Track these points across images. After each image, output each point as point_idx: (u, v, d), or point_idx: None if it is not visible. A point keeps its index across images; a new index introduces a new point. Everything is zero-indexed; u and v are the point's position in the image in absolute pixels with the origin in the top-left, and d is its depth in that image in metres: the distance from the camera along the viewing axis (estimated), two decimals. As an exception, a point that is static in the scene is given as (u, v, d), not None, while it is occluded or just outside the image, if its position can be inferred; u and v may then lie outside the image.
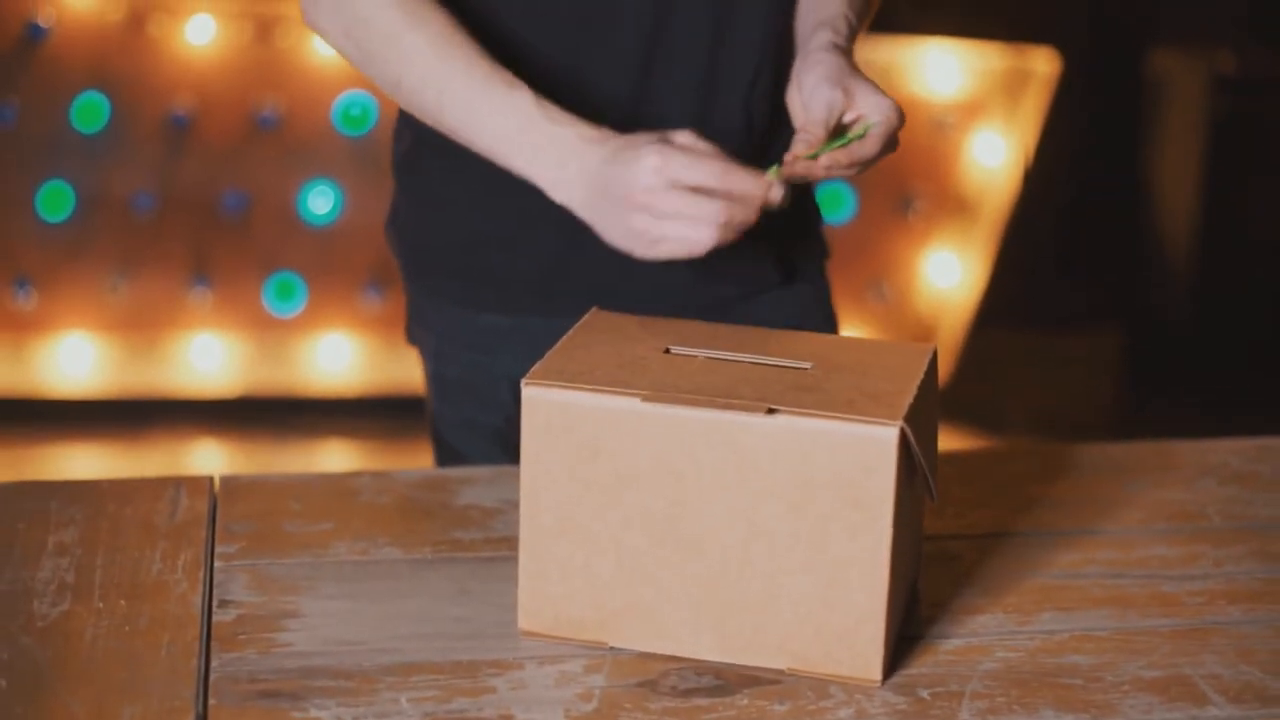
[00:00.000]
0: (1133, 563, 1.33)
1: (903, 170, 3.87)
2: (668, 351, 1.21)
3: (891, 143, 1.36)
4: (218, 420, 3.83)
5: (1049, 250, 4.22)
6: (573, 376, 1.15)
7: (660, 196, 1.29)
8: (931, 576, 1.30)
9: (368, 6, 1.40)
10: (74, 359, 3.75)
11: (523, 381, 1.15)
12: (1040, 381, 4.10)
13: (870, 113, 1.35)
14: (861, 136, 1.34)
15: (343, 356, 3.86)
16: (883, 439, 1.09)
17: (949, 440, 3.97)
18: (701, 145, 1.30)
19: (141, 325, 3.77)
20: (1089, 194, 4.30)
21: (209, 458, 3.79)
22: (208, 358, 3.80)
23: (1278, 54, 4.12)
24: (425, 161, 1.52)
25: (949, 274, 3.96)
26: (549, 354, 1.19)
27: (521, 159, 1.37)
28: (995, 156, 3.91)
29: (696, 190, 1.28)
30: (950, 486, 1.45)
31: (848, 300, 3.91)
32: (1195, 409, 4.10)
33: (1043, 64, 3.88)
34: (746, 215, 1.30)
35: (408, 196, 1.56)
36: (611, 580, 1.16)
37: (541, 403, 1.14)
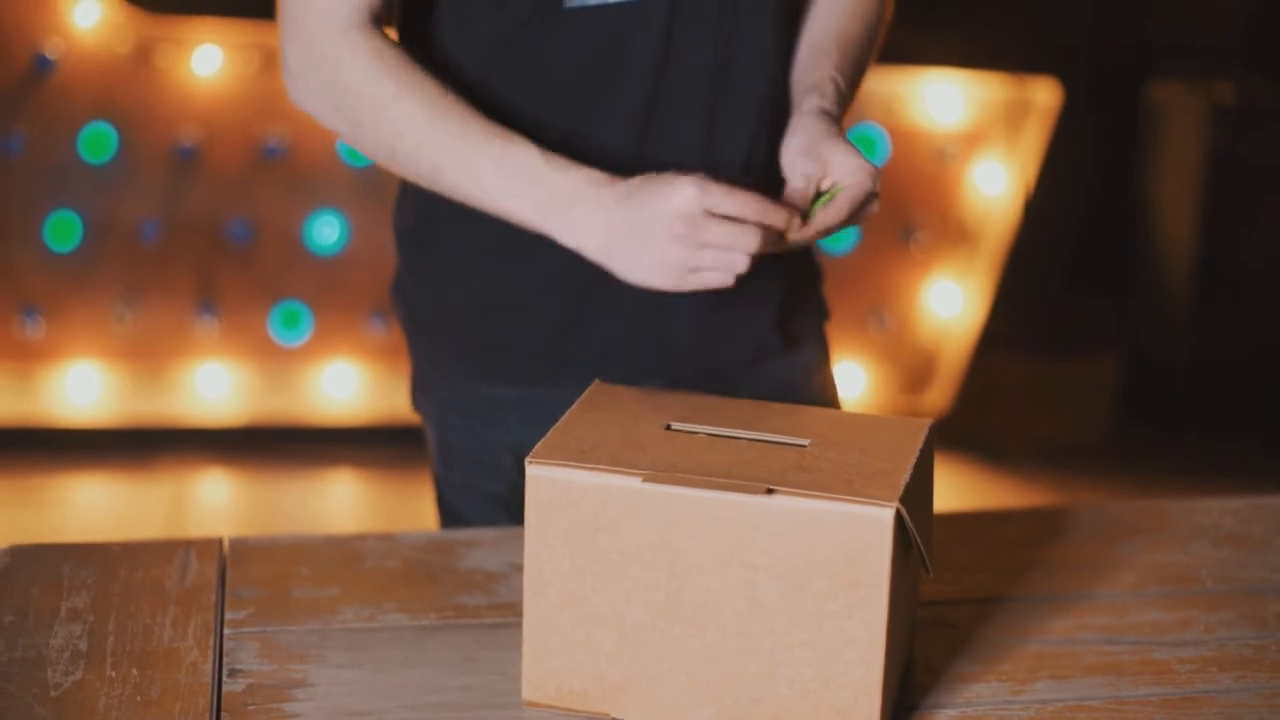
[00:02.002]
0: (1126, 628, 1.36)
1: (904, 199, 3.89)
2: (668, 428, 1.23)
3: (867, 202, 1.40)
4: (224, 448, 3.85)
5: (1049, 279, 4.24)
6: (575, 455, 1.17)
7: (700, 224, 1.32)
8: (928, 643, 1.32)
9: (354, 78, 1.41)
10: (81, 387, 3.78)
11: (527, 460, 1.17)
12: (1039, 409, 4.12)
13: (842, 177, 1.38)
14: (828, 202, 1.37)
15: (348, 385, 3.88)
16: (879, 520, 1.11)
17: (950, 467, 3.96)
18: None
19: (148, 354, 3.79)
20: (1088, 223, 4.33)
21: (215, 486, 3.82)
22: (214, 386, 3.83)
23: (1276, 85, 4.14)
24: (429, 235, 1.53)
25: (950, 303, 3.98)
26: (552, 431, 1.22)
27: (529, 210, 1.39)
28: (996, 186, 3.93)
29: (730, 219, 1.32)
30: (947, 548, 1.47)
31: (849, 329, 3.93)
32: (1192, 436, 4.12)
33: (1043, 94, 3.90)
34: (771, 247, 1.34)
35: (412, 269, 1.58)
36: (613, 653, 1.18)
37: (545, 481, 1.17)
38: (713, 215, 1.32)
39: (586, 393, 1.30)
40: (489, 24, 1.44)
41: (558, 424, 1.23)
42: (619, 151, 1.46)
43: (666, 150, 1.47)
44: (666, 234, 1.33)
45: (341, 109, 1.43)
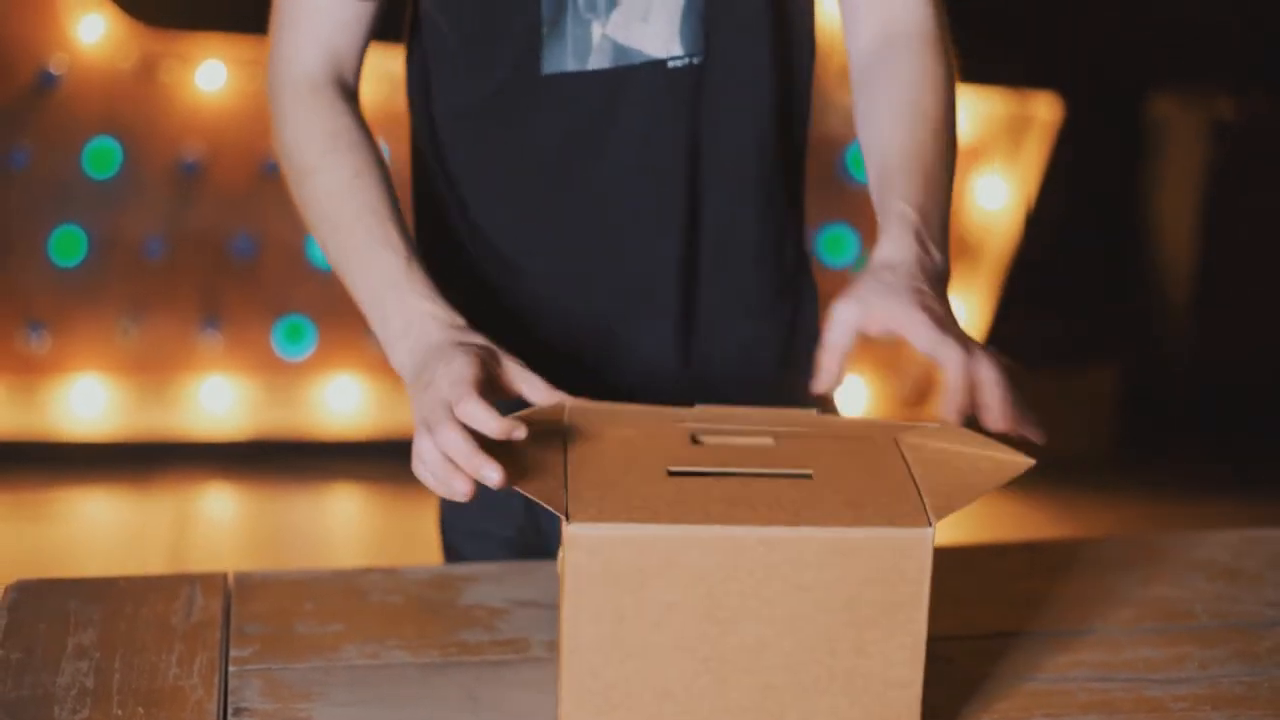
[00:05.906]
0: (1120, 665, 1.37)
1: (905, 214, 3.89)
2: (689, 474, 1.21)
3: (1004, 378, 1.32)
4: (228, 462, 3.87)
5: (1050, 292, 4.25)
6: (611, 513, 1.15)
7: (436, 417, 1.19)
8: (926, 680, 1.33)
9: (290, 137, 1.41)
10: (85, 401, 3.80)
11: (566, 523, 1.15)
12: (1040, 422, 4.12)
13: (912, 341, 1.34)
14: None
15: (352, 399, 3.90)
16: (918, 540, 1.15)
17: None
18: (481, 413, 1.19)
19: (152, 368, 3.81)
20: (1090, 237, 4.34)
21: (219, 500, 3.84)
22: (218, 400, 3.85)
23: (1276, 99, 4.15)
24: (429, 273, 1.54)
25: (951, 316, 3.99)
26: (577, 484, 1.19)
27: (375, 319, 1.38)
28: (997, 200, 3.95)
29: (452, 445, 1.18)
30: (944, 582, 1.47)
31: (851, 343, 3.94)
32: (1194, 449, 4.13)
33: (1044, 109, 3.91)
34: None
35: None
36: (655, 703, 1.17)
37: (584, 538, 1.14)
38: (452, 417, 1.19)
39: (591, 429, 1.28)
40: (467, 93, 1.45)
41: (579, 476, 1.21)
42: (596, 226, 1.46)
43: (645, 220, 1.46)
44: (422, 401, 1.23)
45: (284, 166, 1.43)
